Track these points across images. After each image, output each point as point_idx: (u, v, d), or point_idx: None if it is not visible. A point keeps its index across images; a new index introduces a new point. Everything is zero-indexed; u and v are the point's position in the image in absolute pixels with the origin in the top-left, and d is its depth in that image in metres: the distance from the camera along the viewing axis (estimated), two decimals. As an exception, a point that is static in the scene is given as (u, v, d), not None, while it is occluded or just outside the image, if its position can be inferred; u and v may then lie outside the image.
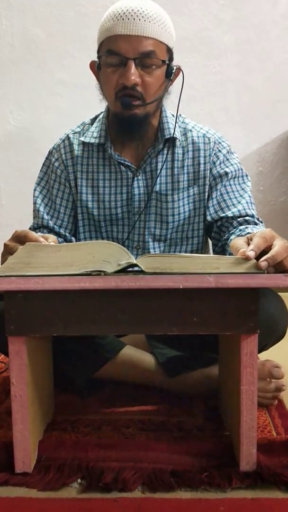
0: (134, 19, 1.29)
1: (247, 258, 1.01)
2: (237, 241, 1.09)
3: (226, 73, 2.40)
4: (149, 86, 1.33)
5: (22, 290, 1.00)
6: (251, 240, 1.07)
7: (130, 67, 1.30)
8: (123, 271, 1.01)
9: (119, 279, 0.99)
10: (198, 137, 1.46)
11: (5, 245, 1.18)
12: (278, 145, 2.45)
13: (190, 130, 1.47)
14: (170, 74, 1.37)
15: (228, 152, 1.48)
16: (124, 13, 1.29)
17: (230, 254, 1.12)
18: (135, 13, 1.29)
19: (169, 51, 1.37)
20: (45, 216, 1.48)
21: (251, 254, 1.01)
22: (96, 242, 1.36)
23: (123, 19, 1.29)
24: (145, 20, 1.29)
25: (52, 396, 1.34)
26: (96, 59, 1.39)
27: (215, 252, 1.45)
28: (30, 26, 2.35)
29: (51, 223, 1.48)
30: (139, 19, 1.29)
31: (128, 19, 1.29)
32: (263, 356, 1.38)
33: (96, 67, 1.38)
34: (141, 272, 0.99)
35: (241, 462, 1.07)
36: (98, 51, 1.38)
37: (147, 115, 1.37)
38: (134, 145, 1.44)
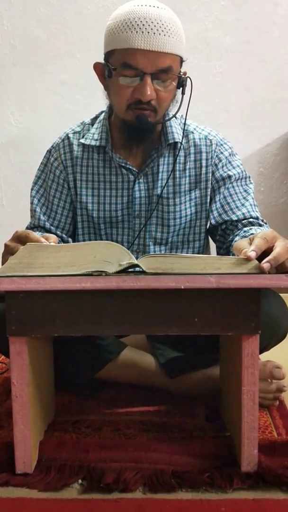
0: (154, 33, 1.24)
1: (248, 259, 1.01)
2: (240, 243, 1.09)
3: (227, 74, 2.40)
4: (163, 101, 1.33)
5: (23, 290, 1.00)
6: (253, 240, 1.06)
7: (146, 83, 1.27)
8: (124, 271, 1.01)
9: (120, 279, 0.99)
10: (200, 139, 1.46)
11: (6, 246, 1.17)
12: (279, 146, 2.45)
13: (192, 132, 1.46)
14: (181, 84, 1.35)
15: (230, 154, 1.47)
16: (143, 24, 1.24)
17: (233, 255, 1.12)
18: (154, 26, 1.24)
19: (182, 61, 1.34)
20: (42, 217, 1.47)
21: (252, 254, 1.01)
22: (97, 242, 1.36)
23: (142, 32, 1.24)
24: (164, 35, 1.25)
25: (53, 397, 1.34)
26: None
27: (219, 255, 1.44)
28: (31, 27, 2.35)
29: (47, 224, 1.47)
30: (159, 34, 1.24)
31: (148, 32, 1.24)
32: (264, 357, 1.38)
33: (106, 74, 1.33)
34: (143, 272, 0.99)
35: (242, 462, 1.07)
36: (109, 58, 1.32)
37: (156, 123, 1.37)
38: (137, 149, 1.42)
